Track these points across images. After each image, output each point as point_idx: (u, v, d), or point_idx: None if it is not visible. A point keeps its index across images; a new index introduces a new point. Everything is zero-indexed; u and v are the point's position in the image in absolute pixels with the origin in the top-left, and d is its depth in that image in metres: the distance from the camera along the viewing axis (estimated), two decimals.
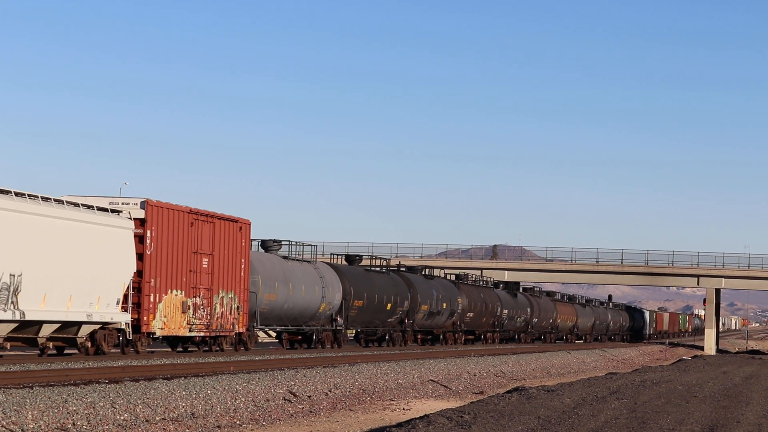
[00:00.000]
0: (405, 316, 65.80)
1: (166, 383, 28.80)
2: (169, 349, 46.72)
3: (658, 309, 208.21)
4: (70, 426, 22.98)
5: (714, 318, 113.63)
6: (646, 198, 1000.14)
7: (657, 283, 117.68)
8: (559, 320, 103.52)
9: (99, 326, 38.40)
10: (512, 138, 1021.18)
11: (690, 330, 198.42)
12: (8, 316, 33.60)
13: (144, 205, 40.82)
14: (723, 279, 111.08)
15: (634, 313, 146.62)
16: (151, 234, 40.97)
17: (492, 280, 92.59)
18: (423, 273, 71.80)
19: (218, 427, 26.01)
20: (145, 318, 40.65)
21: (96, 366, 34.34)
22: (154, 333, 41.56)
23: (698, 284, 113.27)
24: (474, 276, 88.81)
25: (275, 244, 54.78)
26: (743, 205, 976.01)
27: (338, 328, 57.51)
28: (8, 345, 35.72)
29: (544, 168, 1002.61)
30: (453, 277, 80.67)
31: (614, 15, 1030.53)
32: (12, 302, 33.79)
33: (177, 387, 28.38)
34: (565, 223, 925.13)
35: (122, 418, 24.57)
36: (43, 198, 35.38)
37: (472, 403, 30.82)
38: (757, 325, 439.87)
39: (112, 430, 23.68)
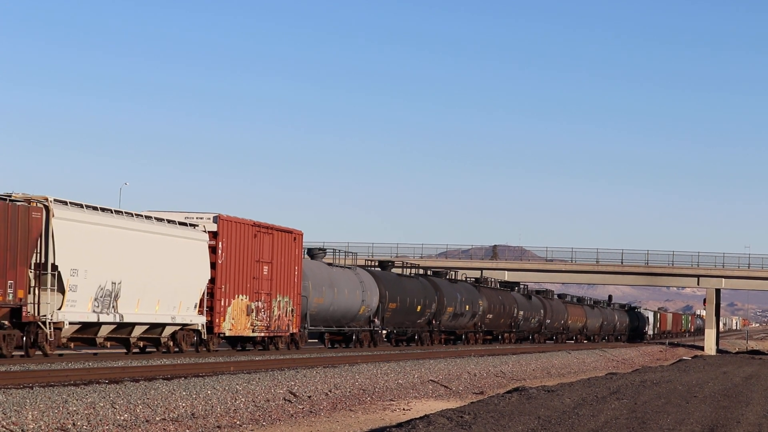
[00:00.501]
0: (432, 317, 70.42)
1: (166, 383, 28.79)
2: (229, 348, 50.41)
3: (658, 309, 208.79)
4: (70, 426, 22.98)
5: (714, 318, 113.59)
6: (646, 198, 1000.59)
7: (657, 283, 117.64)
8: (570, 321, 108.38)
9: (180, 327, 43.62)
10: (512, 138, 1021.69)
11: (692, 330, 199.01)
12: (110, 318, 39.39)
13: (216, 219, 45.72)
14: (723, 279, 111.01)
15: (638, 313, 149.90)
16: (221, 245, 45.78)
17: (495, 281, 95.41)
18: (447, 277, 77.05)
19: (218, 427, 26.00)
20: (216, 320, 45.47)
21: (96, 366, 34.35)
22: (224, 333, 46.18)
23: (698, 284, 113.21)
24: (493, 280, 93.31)
25: (320, 252, 61.23)
26: (743, 205, 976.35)
27: (375, 328, 62.38)
28: (108, 344, 41.40)
29: (544, 168, 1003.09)
30: (472, 280, 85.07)
31: (614, 15, 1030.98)
32: (113, 306, 39.54)
33: (177, 387, 28.38)
34: (565, 223, 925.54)
35: (122, 418, 24.57)
36: (135, 214, 41.13)
37: (472, 403, 30.82)
38: (757, 325, 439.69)
39: (112, 431, 23.68)
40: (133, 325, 40.99)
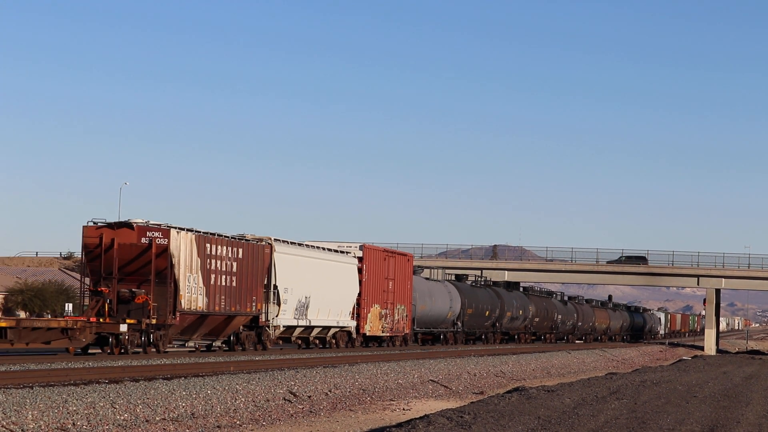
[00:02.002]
0: (496, 320, 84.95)
1: (166, 383, 28.80)
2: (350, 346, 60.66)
3: (658, 309, 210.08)
4: (70, 426, 22.98)
5: (714, 318, 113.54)
6: (646, 198, 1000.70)
7: (657, 283, 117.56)
8: (596, 323, 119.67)
9: (339, 329, 58.60)
10: (512, 138, 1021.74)
11: (698, 330, 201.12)
12: (303, 323, 54.61)
13: (361, 247, 60.64)
14: (723, 279, 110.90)
15: (651, 315, 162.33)
16: (365, 267, 60.44)
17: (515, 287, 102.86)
18: (505, 286, 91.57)
19: (218, 427, 26.00)
20: (361, 324, 60.29)
21: (96, 366, 34.36)
22: (365, 333, 61.00)
23: (698, 284, 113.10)
24: (539, 287, 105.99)
25: (419, 269, 75.61)
26: (743, 205, 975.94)
27: (457, 330, 76.98)
28: (300, 342, 56.95)
29: (544, 168, 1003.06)
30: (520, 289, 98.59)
31: (613, 16, 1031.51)
32: (304, 314, 54.46)
33: (177, 387, 28.39)
34: (565, 223, 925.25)
35: (122, 418, 24.57)
36: (316, 246, 56.17)
37: (472, 403, 30.81)
38: (758, 325, 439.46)
39: (112, 430, 23.68)
40: (313, 327, 56.00)
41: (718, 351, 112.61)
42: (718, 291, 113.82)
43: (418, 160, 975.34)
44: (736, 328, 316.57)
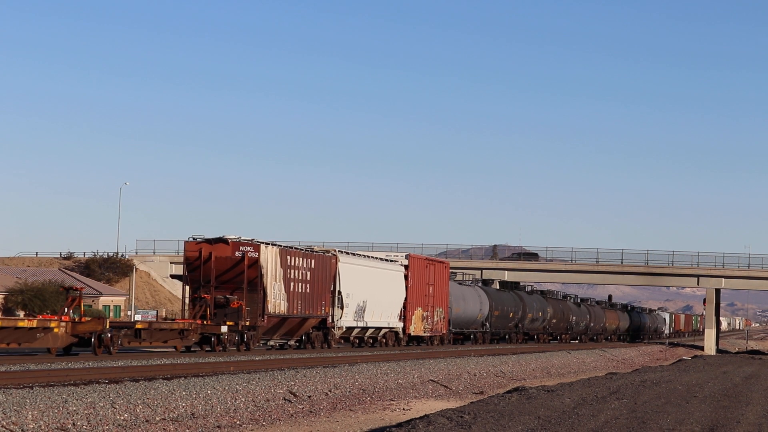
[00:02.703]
0: (518, 322, 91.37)
1: (166, 383, 28.79)
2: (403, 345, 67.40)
3: (658, 309, 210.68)
4: (70, 426, 22.97)
5: (714, 318, 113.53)
6: (646, 198, 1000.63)
7: (657, 283, 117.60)
8: (607, 324, 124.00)
9: (389, 330, 65.43)
10: (512, 138, 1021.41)
11: (701, 329, 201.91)
12: (361, 324, 61.30)
13: (407, 256, 67.62)
14: (723, 279, 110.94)
15: (656, 315, 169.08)
16: (410, 274, 66.79)
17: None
18: (526, 290, 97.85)
19: (218, 427, 26.00)
20: (407, 325, 66.85)
21: (96, 366, 34.37)
22: (410, 334, 67.42)
23: (698, 284, 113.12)
24: (556, 291, 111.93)
25: (453, 273, 79.78)
26: (743, 205, 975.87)
27: (485, 330, 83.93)
28: (356, 341, 63.18)
29: (544, 168, 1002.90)
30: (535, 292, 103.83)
31: (613, 16, 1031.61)
32: (361, 317, 60.89)
33: (177, 387, 28.38)
34: (565, 223, 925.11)
35: (122, 418, 24.56)
36: (370, 257, 63.46)
37: (472, 403, 30.81)
38: (758, 325, 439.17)
39: (112, 430, 23.68)
40: (369, 328, 62.77)
41: (718, 351, 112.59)
42: (718, 291, 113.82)
43: (418, 161, 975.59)
44: (738, 328, 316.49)
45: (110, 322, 43.86)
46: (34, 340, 41.00)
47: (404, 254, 68.14)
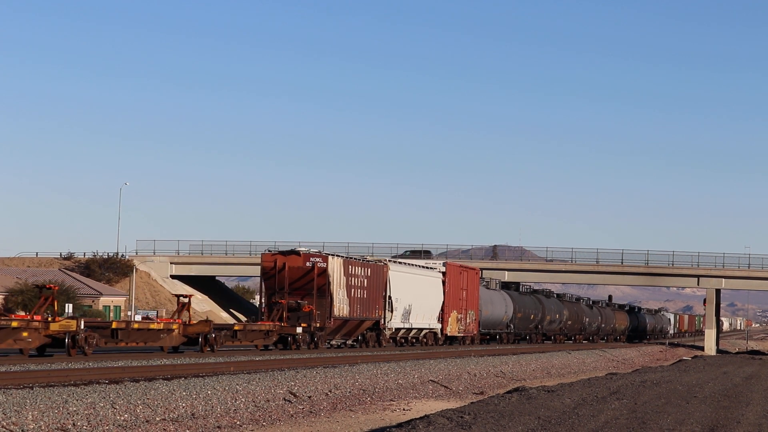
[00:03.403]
0: (538, 323, 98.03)
1: (166, 383, 28.79)
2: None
3: (662, 310, 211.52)
4: (70, 426, 22.97)
5: (714, 318, 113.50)
6: (646, 198, 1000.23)
7: (657, 283, 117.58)
8: (617, 325, 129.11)
9: (429, 330, 72.09)
10: (512, 138, 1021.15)
11: (704, 329, 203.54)
12: (407, 325, 68.21)
13: (444, 264, 74.63)
14: (723, 279, 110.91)
15: (662, 316, 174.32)
16: (447, 280, 73.65)
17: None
18: (545, 293, 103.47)
19: (218, 427, 26.00)
20: (444, 326, 73.58)
21: (96, 366, 34.36)
22: (447, 334, 74.03)
23: (698, 284, 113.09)
24: (569, 294, 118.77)
25: (481, 279, 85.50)
26: (743, 205, 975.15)
27: (510, 331, 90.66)
28: (402, 340, 68.66)
29: (544, 168, 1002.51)
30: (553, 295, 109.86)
31: (611, 21, 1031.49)
32: (407, 319, 67.77)
33: (177, 387, 28.38)
34: (565, 223, 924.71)
35: (122, 418, 24.56)
36: (414, 264, 71.55)
37: (472, 403, 30.80)
38: (758, 325, 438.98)
39: (112, 431, 23.68)
40: (413, 329, 69.62)
41: (718, 351, 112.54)
42: (718, 291, 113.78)
43: (418, 161, 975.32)
44: (739, 328, 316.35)
45: (214, 325, 50.10)
46: (158, 339, 46.91)
47: (442, 262, 75.30)
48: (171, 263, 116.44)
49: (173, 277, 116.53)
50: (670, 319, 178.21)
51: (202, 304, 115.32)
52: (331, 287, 57.23)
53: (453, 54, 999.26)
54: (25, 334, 39.77)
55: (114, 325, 44.26)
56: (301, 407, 30.64)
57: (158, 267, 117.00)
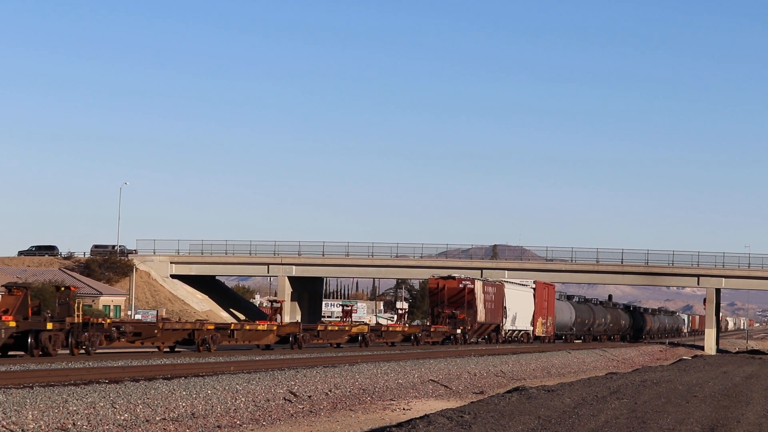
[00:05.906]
0: (590, 326, 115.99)
1: (166, 383, 28.78)
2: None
3: (658, 309, 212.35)
4: (70, 426, 22.96)
5: (714, 318, 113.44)
6: (646, 198, 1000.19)
7: (657, 283, 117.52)
8: (645, 325, 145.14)
9: (524, 332, 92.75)
10: (512, 139, 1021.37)
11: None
12: (514, 328, 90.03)
13: (534, 282, 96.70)
14: (723, 279, 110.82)
15: (678, 316, 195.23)
16: (535, 294, 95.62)
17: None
18: (593, 301, 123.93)
19: (218, 427, 25.99)
20: (534, 329, 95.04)
21: (96, 366, 34.35)
22: (536, 335, 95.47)
23: (698, 284, 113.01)
24: (615, 301, 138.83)
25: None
26: (743, 205, 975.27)
27: (572, 333, 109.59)
28: (508, 339, 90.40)
29: (544, 168, 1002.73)
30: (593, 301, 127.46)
31: (611, 22, 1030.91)
32: (514, 323, 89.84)
33: (177, 387, 28.37)
34: (565, 223, 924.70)
35: (122, 418, 24.55)
36: (517, 282, 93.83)
37: (472, 403, 30.78)
38: (758, 325, 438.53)
39: (112, 431, 23.67)
40: (516, 331, 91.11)
41: (719, 351, 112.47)
42: (718, 291, 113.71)
43: (418, 161, 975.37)
44: (742, 327, 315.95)
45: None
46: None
47: (533, 280, 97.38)
48: (171, 263, 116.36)
49: (173, 276, 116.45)
50: (684, 319, 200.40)
51: (202, 304, 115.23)
52: (476, 301, 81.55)
53: (453, 54, 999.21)
54: (273, 333, 57.75)
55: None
56: (301, 407, 30.63)
57: (158, 266, 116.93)
